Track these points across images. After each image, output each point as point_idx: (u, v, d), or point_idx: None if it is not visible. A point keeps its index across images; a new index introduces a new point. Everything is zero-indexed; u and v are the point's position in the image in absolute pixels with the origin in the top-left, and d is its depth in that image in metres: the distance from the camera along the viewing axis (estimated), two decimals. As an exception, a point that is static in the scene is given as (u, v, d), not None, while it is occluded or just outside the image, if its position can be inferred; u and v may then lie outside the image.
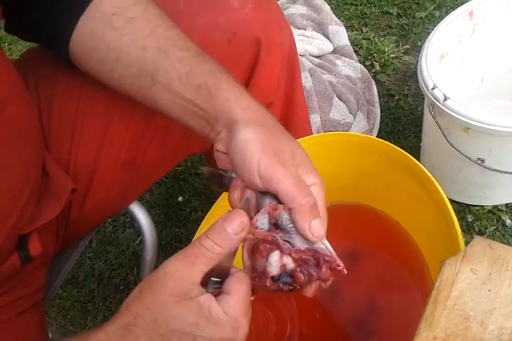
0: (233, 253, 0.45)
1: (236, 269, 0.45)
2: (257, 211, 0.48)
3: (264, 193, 0.48)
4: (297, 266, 0.45)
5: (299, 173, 0.48)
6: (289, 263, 0.45)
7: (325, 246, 0.47)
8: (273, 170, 0.46)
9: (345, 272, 0.47)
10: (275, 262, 0.45)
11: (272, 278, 0.45)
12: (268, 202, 0.48)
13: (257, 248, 0.46)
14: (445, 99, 0.87)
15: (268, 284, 0.46)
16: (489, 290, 0.45)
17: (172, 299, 0.41)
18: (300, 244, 0.46)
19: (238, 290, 0.43)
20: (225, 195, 0.71)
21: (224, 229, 0.43)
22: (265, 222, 0.47)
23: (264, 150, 0.47)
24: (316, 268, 0.46)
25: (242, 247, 0.47)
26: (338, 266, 0.46)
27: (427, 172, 0.62)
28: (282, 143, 0.49)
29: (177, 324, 0.41)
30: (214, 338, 0.41)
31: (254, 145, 0.48)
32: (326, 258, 0.46)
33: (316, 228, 0.46)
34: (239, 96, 0.52)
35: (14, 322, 0.62)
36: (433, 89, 0.89)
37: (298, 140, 0.53)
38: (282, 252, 0.45)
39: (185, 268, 0.42)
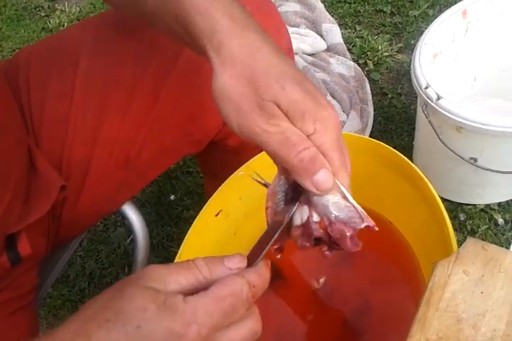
0: None
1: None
2: None
3: None
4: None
5: (293, 123, 0.41)
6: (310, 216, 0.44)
7: (343, 202, 0.43)
8: (254, 133, 0.42)
9: (377, 229, 0.43)
10: (297, 216, 0.44)
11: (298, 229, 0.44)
12: None
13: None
14: (438, 98, 0.87)
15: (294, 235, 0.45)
16: (482, 292, 0.45)
17: (129, 282, 0.37)
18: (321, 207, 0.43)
19: (219, 288, 0.37)
20: (216, 195, 0.70)
21: (221, 260, 0.39)
22: (282, 183, 0.45)
23: (240, 109, 0.42)
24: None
25: (266, 215, 0.47)
26: (368, 226, 0.43)
27: (419, 172, 0.62)
28: (262, 91, 0.41)
29: (125, 306, 0.35)
30: (158, 328, 0.34)
31: (228, 103, 0.42)
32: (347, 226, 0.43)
33: (321, 181, 0.41)
34: (211, 32, 0.44)
35: (5, 323, 0.62)
36: (426, 88, 0.88)
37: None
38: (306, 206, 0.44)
39: (165, 272, 0.37)
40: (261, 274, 0.39)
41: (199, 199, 1.29)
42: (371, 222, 0.43)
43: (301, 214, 0.44)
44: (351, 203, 0.43)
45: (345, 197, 0.43)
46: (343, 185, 0.43)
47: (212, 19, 0.44)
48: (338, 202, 0.43)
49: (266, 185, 0.48)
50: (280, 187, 0.46)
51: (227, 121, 0.43)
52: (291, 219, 0.45)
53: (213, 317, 0.36)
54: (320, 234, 0.44)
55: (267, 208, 0.47)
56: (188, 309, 0.35)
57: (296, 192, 0.45)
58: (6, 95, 0.62)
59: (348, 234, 0.43)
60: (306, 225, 0.44)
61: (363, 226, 0.43)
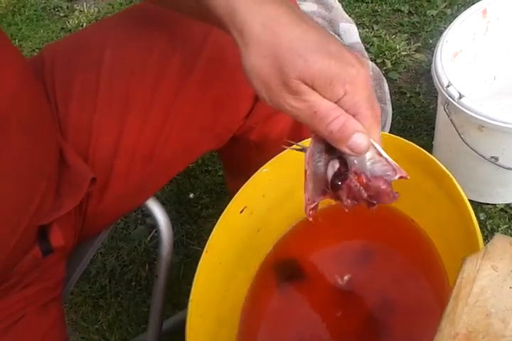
0: None
1: None
2: None
3: None
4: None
5: (321, 94, 0.43)
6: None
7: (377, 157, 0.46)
8: (284, 109, 0.44)
9: (408, 177, 0.46)
10: (331, 169, 0.47)
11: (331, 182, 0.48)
12: None
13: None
14: (460, 96, 0.87)
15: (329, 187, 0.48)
16: (510, 287, 0.45)
17: None
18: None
19: None
20: (241, 192, 0.71)
21: None
22: (317, 145, 0.47)
23: (270, 87, 0.44)
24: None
25: (305, 179, 0.49)
26: (402, 176, 0.46)
27: (445, 169, 0.63)
28: (287, 69, 0.42)
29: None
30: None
31: (258, 82, 0.44)
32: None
33: (355, 146, 0.43)
34: (230, 12, 0.45)
35: (38, 314, 0.63)
36: (448, 86, 0.89)
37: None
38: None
39: None
40: None
41: (218, 197, 1.30)
42: (403, 173, 0.46)
43: (332, 164, 0.47)
44: (384, 157, 0.46)
45: (378, 152, 0.45)
46: (375, 140, 0.45)
47: None
48: (373, 158, 0.46)
49: (304, 150, 0.50)
50: (316, 148, 0.48)
51: (261, 96, 0.45)
52: (325, 175, 0.48)
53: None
54: (358, 189, 0.47)
55: (305, 171, 0.49)
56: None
57: (331, 152, 0.47)
58: (38, 90, 0.63)
59: (383, 187, 0.46)
60: (347, 184, 0.47)
61: (396, 177, 0.46)
